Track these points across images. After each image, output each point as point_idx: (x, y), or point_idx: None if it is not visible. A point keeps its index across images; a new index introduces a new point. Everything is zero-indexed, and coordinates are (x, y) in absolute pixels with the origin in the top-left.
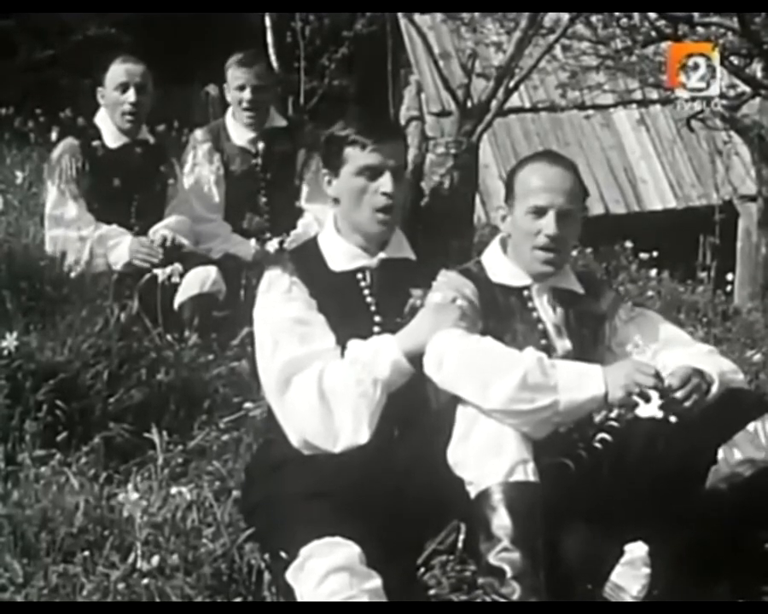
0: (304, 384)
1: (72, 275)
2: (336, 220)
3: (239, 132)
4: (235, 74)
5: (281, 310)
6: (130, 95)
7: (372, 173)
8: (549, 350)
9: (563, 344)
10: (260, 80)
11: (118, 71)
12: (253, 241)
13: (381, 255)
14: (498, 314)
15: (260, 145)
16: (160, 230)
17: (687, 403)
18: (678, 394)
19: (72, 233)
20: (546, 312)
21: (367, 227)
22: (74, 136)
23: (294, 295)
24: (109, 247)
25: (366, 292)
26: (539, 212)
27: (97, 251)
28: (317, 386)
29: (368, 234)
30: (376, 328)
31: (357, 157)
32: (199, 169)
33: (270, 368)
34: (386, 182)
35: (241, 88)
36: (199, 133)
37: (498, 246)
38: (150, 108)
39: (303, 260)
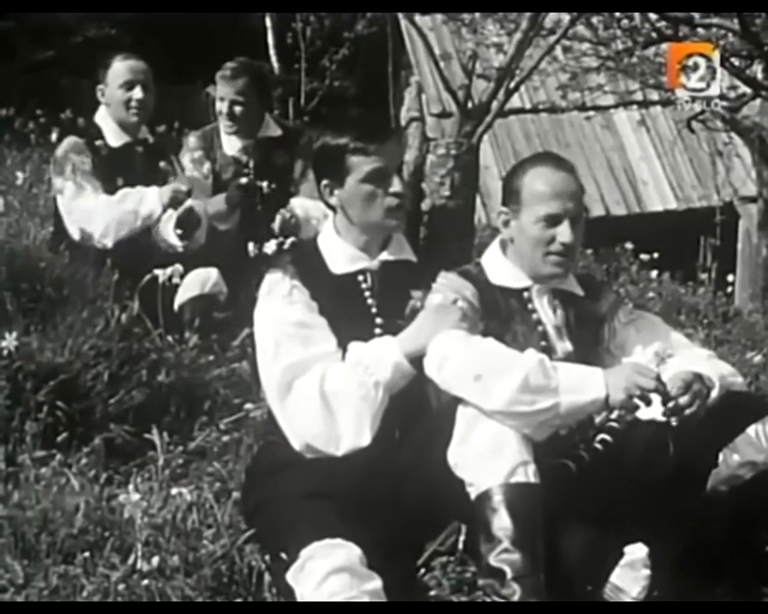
0: (305, 387)
1: (108, 245)
2: (336, 222)
3: (229, 141)
4: (218, 86)
5: (282, 314)
6: (137, 91)
7: (379, 177)
8: (549, 351)
9: (563, 345)
10: (240, 95)
11: (121, 68)
12: (251, 245)
13: (382, 257)
14: (498, 315)
15: (252, 156)
16: (173, 215)
17: (689, 410)
18: (681, 400)
19: (93, 209)
20: (546, 314)
21: (380, 226)
22: (77, 135)
23: (295, 298)
24: (137, 200)
25: (367, 294)
26: (552, 220)
27: (123, 208)
28: (318, 390)
29: (380, 232)
30: (377, 330)
31: (361, 164)
32: (188, 175)
33: (272, 372)
34: (395, 183)
35: (222, 99)
36: (192, 140)
37: (498, 247)
38: (152, 106)
39: (303, 262)
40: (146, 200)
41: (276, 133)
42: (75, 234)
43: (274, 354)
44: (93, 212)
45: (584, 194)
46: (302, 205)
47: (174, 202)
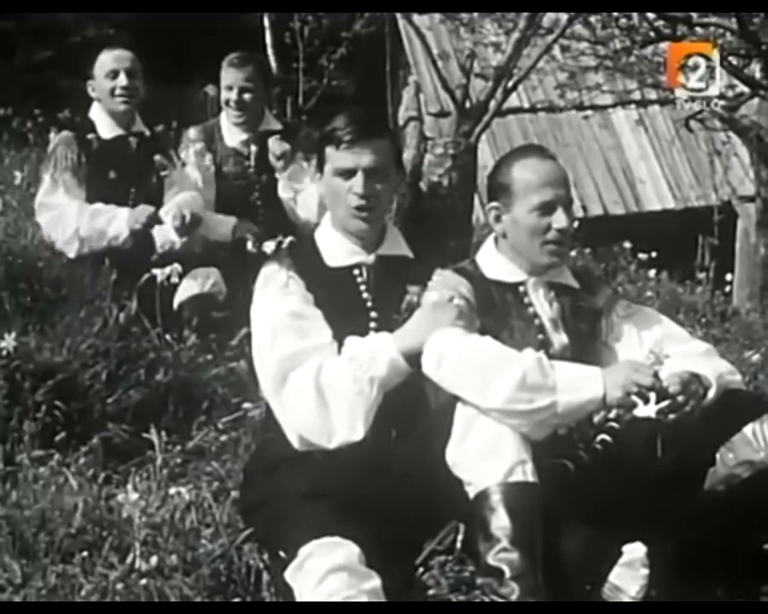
0: (300, 380)
1: (70, 255)
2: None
3: (231, 133)
4: (226, 74)
5: (278, 305)
6: (122, 78)
7: (347, 173)
8: (546, 345)
9: (560, 338)
10: (248, 82)
11: (106, 59)
12: (249, 243)
13: (378, 252)
14: (495, 311)
15: (253, 148)
16: (172, 209)
17: (684, 409)
18: (677, 399)
19: (62, 213)
20: (542, 307)
21: (347, 225)
22: (70, 129)
23: (291, 289)
24: (107, 220)
25: (362, 288)
26: (546, 208)
27: (92, 226)
28: (313, 382)
29: (350, 232)
30: (372, 324)
31: (333, 157)
32: (189, 168)
33: (268, 363)
34: (357, 183)
35: (229, 88)
36: (192, 131)
37: (492, 244)
38: (143, 95)
39: (300, 255)
40: (115, 222)
41: (277, 127)
42: (44, 233)
43: (270, 345)
44: (60, 218)
45: (569, 183)
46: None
47: (143, 232)
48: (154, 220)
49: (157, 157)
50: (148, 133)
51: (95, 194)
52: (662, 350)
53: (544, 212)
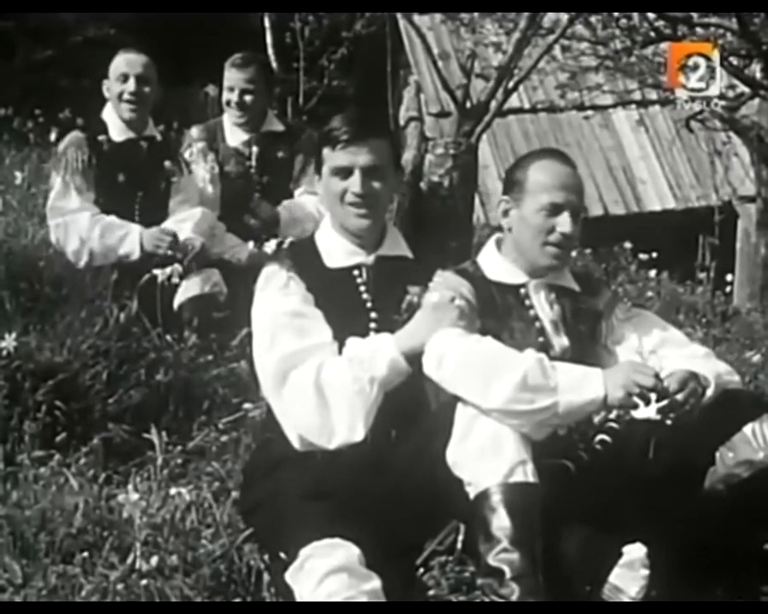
0: (300, 379)
1: (80, 265)
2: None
3: (233, 133)
4: (228, 75)
5: (278, 305)
6: (130, 84)
7: (344, 173)
8: (546, 347)
9: (560, 341)
10: (250, 83)
11: (119, 62)
12: (251, 244)
13: (378, 252)
14: (495, 312)
15: (254, 148)
16: (186, 234)
17: (684, 409)
18: (676, 399)
19: (73, 221)
20: (543, 309)
21: (346, 225)
22: (80, 130)
23: (291, 290)
24: (118, 238)
25: (362, 288)
26: (554, 210)
27: (104, 242)
28: (313, 382)
29: (349, 231)
30: (372, 324)
31: (330, 157)
32: (194, 167)
33: (267, 363)
34: (354, 183)
35: (231, 89)
36: (194, 131)
37: (494, 245)
38: (154, 100)
39: (300, 256)
40: (127, 240)
41: (279, 128)
42: (53, 238)
43: (270, 344)
44: (69, 227)
45: (583, 193)
46: (293, 203)
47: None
48: (175, 243)
49: (167, 163)
50: (159, 138)
51: (103, 197)
52: (643, 347)
53: (551, 214)
